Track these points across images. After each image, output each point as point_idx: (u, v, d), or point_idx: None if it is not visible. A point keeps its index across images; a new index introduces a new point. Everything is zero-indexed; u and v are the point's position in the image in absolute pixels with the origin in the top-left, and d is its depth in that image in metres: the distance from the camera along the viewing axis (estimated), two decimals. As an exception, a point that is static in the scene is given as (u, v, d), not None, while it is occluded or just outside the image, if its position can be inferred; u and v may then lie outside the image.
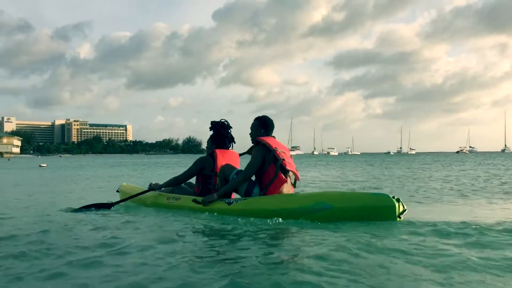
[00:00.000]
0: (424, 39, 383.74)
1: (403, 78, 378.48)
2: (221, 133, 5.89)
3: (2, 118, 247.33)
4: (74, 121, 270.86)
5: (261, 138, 5.12)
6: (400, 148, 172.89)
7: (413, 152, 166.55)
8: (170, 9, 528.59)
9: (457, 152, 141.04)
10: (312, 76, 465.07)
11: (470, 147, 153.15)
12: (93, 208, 5.94)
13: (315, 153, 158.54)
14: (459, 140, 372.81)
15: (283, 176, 5.00)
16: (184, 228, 4.50)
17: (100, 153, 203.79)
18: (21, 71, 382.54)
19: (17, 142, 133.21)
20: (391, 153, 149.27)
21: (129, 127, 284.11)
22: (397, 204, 4.47)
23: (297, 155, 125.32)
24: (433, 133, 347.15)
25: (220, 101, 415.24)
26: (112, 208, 6.03)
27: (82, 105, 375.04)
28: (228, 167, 5.37)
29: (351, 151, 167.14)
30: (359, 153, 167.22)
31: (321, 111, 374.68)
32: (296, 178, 5.20)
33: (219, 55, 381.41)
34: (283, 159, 4.94)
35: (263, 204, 4.88)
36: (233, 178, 5.21)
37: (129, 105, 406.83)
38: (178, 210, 5.48)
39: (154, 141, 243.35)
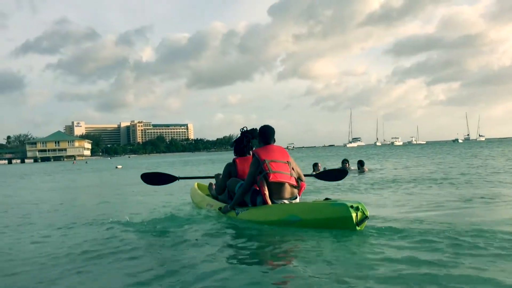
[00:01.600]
0: (489, 20, 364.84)
1: (468, 62, 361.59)
2: (241, 142, 6.22)
3: (72, 123, 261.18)
4: (138, 122, 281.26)
5: (256, 150, 5.52)
6: (468, 135, 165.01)
7: (483, 139, 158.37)
8: (227, 8, 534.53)
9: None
10: (371, 65, 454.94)
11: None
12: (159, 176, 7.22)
13: (378, 144, 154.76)
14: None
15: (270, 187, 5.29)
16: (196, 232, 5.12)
17: (163, 152, 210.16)
18: (89, 77, 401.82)
19: (87, 145, 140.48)
20: (459, 141, 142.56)
21: (190, 126, 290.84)
22: (354, 214, 4.47)
23: (359, 147, 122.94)
24: (504, 118, 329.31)
25: (278, 96, 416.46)
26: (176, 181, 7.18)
27: (146, 106, 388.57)
28: (233, 180, 5.88)
29: (415, 140, 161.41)
30: (424, 142, 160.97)
31: (381, 100, 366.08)
32: (295, 185, 5.38)
33: (276, 50, 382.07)
34: (267, 172, 5.22)
35: (253, 215, 5.33)
36: (237, 190, 5.70)
37: (189, 104, 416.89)
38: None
39: (215, 139, 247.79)
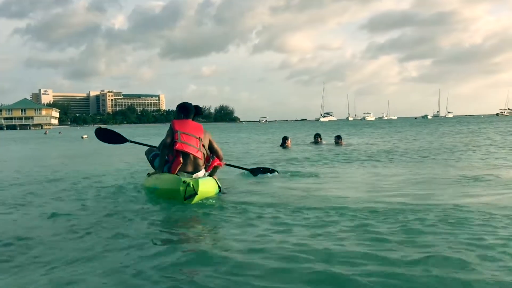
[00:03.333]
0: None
1: (441, 40, 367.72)
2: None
3: (39, 90, 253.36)
4: (109, 92, 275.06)
5: (173, 121, 5.93)
6: (438, 111, 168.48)
7: (451, 115, 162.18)
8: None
9: (497, 114, 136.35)
10: (346, 40, 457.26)
11: (509, 109, 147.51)
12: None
13: (350, 118, 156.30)
14: (499, 102, 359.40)
15: (180, 159, 5.67)
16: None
17: (134, 123, 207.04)
18: (59, 44, 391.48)
19: (55, 113, 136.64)
20: (429, 117, 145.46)
21: (162, 97, 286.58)
22: (182, 188, 4.99)
23: (330, 121, 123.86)
24: (472, 96, 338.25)
25: (252, 69, 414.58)
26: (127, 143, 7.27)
27: (117, 76, 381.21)
28: (149, 149, 6.51)
29: (386, 116, 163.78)
30: (395, 117, 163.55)
31: (354, 76, 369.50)
32: (199, 159, 5.76)
33: (252, 22, 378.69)
34: (176, 141, 5.62)
35: (151, 181, 5.88)
36: (150, 159, 6.30)
37: (162, 75, 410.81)
38: None
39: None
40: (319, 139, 16.25)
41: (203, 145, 5.80)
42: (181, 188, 4.99)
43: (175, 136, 5.69)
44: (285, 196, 5.48)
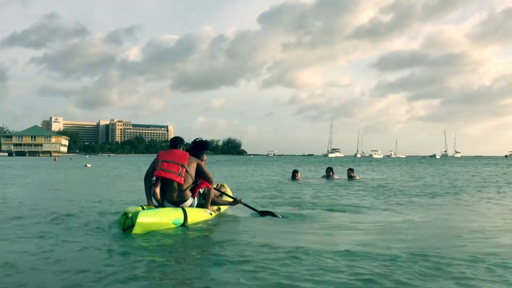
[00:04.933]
0: (473, 41, 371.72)
1: (450, 80, 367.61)
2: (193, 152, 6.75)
3: (50, 118, 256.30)
4: (118, 121, 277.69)
5: (160, 151, 6.37)
6: (445, 151, 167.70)
7: (459, 155, 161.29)
8: (217, 13, 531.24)
9: (506, 156, 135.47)
10: (356, 78, 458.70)
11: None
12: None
13: (358, 155, 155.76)
14: (507, 144, 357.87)
15: (158, 186, 6.05)
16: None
17: (142, 153, 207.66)
18: (74, 73, 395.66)
19: (64, 141, 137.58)
20: (437, 156, 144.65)
21: (170, 128, 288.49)
22: (122, 220, 5.11)
23: (337, 157, 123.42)
24: (480, 137, 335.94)
25: (262, 103, 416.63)
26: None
27: (128, 106, 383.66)
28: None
29: (394, 154, 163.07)
30: (404, 156, 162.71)
31: (363, 113, 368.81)
32: (180, 184, 6.05)
33: (263, 58, 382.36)
34: (156, 169, 6.03)
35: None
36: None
37: (172, 106, 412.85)
38: None
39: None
40: (331, 173, 15.98)
41: (187, 171, 6.09)
42: (121, 220, 5.12)
43: (156, 164, 6.08)
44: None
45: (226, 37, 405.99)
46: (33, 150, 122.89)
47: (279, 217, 6.81)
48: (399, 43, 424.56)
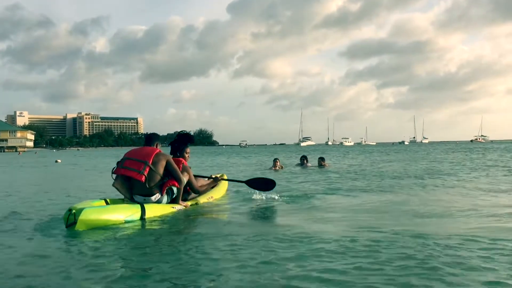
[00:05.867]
0: (439, 28, 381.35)
1: (417, 68, 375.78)
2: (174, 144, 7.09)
3: (15, 112, 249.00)
4: (86, 114, 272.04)
5: (131, 150, 6.51)
6: (414, 137, 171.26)
7: (426, 141, 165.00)
8: (186, 2, 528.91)
9: (471, 141, 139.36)
10: (325, 67, 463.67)
11: (482, 136, 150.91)
12: None
13: (329, 143, 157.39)
14: (473, 129, 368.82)
15: (119, 182, 6.13)
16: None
17: (111, 146, 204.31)
18: (39, 66, 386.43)
19: (30, 136, 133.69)
20: (405, 143, 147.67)
21: (140, 120, 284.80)
22: (66, 216, 5.12)
23: (308, 146, 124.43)
24: (446, 122, 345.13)
25: (233, 93, 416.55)
26: None
27: (96, 99, 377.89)
28: None
29: (365, 141, 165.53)
30: (374, 143, 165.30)
31: (333, 101, 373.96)
32: (142, 182, 6.04)
33: (233, 48, 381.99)
34: (116, 167, 6.15)
35: None
36: None
37: (142, 98, 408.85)
38: None
39: (166, 134, 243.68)
40: (305, 161, 16.24)
41: (151, 169, 6.07)
42: (65, 216, 5.16)
43: (120, 162, 6.21)
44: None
45: (195, 27, 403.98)
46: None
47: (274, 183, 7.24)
48: (368, 32, 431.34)
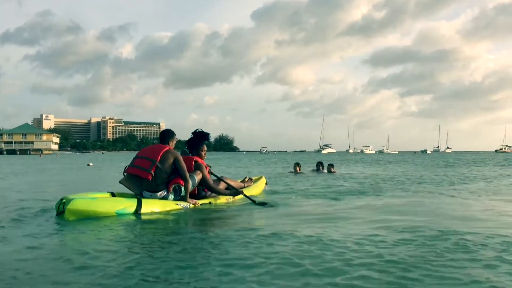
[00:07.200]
0: (464, 37, 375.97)
1: (441, 76, 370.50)
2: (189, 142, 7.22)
3: (41, 115, 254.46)
4: (110, 118, 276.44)
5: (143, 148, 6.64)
6: (438, 147, 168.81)
7: (450, 151, 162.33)
8: (211, 9, 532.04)
9: (496, 151, 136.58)
10: (348, 74, 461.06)
11: (506, 145, 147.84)
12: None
13: (350, 151, 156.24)
14: (497, 139, 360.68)
15: (129, 180, 6.20)
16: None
17: (134, 150, 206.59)
18: (67, 70, 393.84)
19: (55, 139, 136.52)
20: (428, 152, 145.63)
21: (162, 125, 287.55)
22: (57, 204, 5.41)
23: (329, 153, 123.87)
24: (471, 132, 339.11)
25: (255, 99, 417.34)
26: None
27: (121, 103, 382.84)
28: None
29: (386, 149, 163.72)
30: (396, 151, 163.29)
31: (355, 109, 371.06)
32: (149, 180, 6.10)
33: (257, 54, 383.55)
34: (128, 166, 6.23)
35: None
36: None
37: (165, 103, 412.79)
38: None
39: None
40: (321, 167, 16.82)
41: (159, 167, 6.09)
42: (56, 204, 5.45)
43: (133, 161, 6.28)
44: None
45: (220, 34, 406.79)
46: (24, 148, 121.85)
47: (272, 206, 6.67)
48: (392, 40, 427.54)
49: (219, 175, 7.41)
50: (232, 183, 7.38)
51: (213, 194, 6.94)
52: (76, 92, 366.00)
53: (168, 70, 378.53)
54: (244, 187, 7.76)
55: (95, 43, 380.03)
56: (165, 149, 6.27)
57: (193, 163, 6.69)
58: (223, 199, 6.93)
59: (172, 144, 6.52)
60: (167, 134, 6.59)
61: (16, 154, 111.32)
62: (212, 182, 6.89)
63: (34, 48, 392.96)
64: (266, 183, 8.85)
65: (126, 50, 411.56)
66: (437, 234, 4.39)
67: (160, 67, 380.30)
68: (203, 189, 6.87)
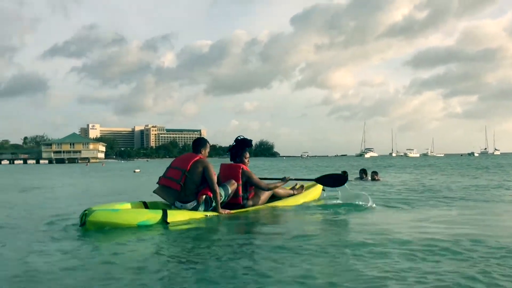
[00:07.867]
0: (511, 34, 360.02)
1: (487, 76, 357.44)
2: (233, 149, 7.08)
3: (88, 125, 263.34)
4: (152, 126, 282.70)
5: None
6: (485, 148, 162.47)
7: (498, 153, 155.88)
8: (250, 16, 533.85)
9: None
10: (389, 76, 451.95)
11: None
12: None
13: (393, 155, 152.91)
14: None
15: (162, 190, 6.21)
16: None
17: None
18: (112, 81, 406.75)
19: (102, 147, 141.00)
20: (475, 154, 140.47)
21: (203, 132, 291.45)
22: (81, 215, 5.41)
23: (371, 157, 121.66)
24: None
25: (294, 104, 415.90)
26: None
27: (163, 111, 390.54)
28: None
29: (431, 152, 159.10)
30: (442, 154, 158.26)
31: (397, 111, 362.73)
32: (178, 190, 6.11)
33: (296, 59, 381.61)
34: (161, 177, 6.25)
35: None
36: None
37: (206, 110, 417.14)
38: None
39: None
40: (364, 175, 15.88)
41: (188, 177, 6.06)
42: (80, 215, 5.47)
43: (165, 171, 6.29)
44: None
45: (259, 40, 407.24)
46: (72, 157, 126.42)
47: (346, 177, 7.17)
48: (434, 40, 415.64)
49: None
50: (280, 191, 7.24)
51: (259, 202, 6.83)
52: (120, 101, 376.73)
53: (209, 77, 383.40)
54: (294, 194, 7.46)
55: (138, 53, 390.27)
56: (196, 159, 6.20)
57: (240, 171, 6.65)
58: (265, 206, 6.84)
59: (204, 152, 6.42)
60: (199, 143, 6.50)
61: (64, 163, 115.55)
62: (264, 184, 6.87)
63: (81, 60, 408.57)
64: (323, 189, 8.22)
65: (168, 59, 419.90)
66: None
67: (200, 74, 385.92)
68: (247, 197, 6.73)
